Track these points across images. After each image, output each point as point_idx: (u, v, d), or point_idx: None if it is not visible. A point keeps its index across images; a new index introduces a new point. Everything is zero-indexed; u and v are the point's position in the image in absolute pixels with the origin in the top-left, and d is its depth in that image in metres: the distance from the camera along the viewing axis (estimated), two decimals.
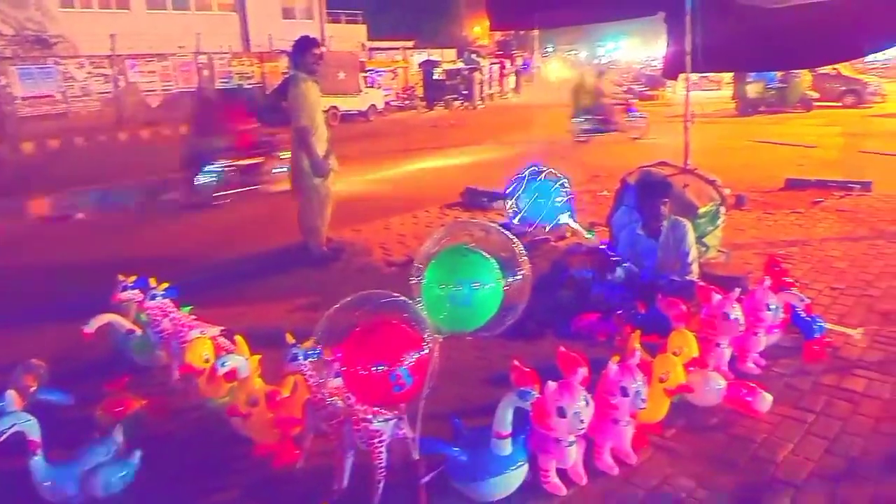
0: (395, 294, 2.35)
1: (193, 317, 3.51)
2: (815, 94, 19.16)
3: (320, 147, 5.42)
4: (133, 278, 3.65)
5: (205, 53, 21.02)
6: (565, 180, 4.25)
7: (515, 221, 4.10)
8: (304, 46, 5.42)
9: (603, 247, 4.44)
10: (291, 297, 4.80)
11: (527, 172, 4.24)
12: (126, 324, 3.66)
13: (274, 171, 8.75)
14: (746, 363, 3.45)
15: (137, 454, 2.57)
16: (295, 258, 5.71)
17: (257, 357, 2.96)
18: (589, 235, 4.58)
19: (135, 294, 3.60)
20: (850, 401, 3.17)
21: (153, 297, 3.44)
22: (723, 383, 3.08)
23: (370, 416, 2.42)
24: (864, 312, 4.21)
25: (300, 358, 2.54)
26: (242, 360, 2.86)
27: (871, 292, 4.54)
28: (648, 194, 4.25)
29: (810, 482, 2.59)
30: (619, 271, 4.19)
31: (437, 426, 2.60)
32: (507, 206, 4.22)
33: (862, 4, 4.63)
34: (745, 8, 4.99)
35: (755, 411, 3.00)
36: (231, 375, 2.80)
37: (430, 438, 2.51)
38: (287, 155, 9.77)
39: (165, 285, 3.50)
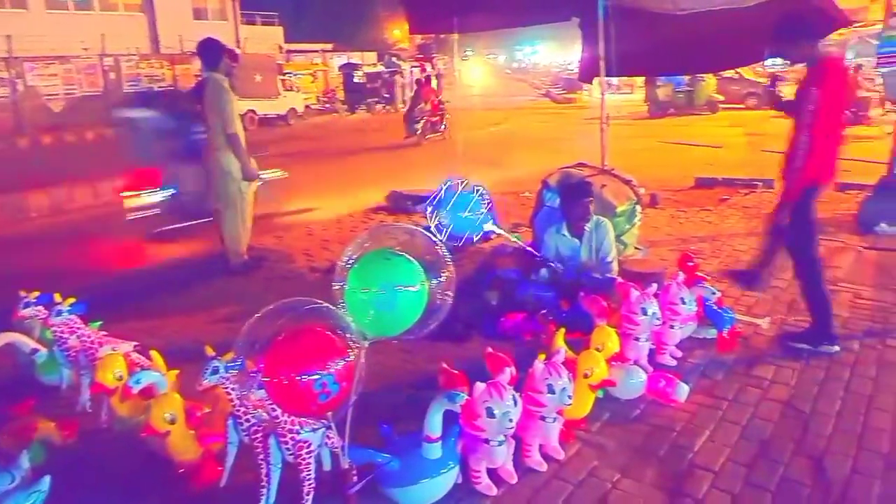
0: (319, 301, 2.30)
1: (104, 332, 3.32)
2: (721, 97, 20.24)
3: None
4: (36, 294, 3.43)
5: (111, 55, 20.04)
6: (484, 189, 4.27)
7: (442, 238, 4.07)
8: (218, 48, 5.25)
9: (528, 248, 4.50)
10: (211, 308, 4.64)
11: (444, 187, 4.20)
12: (30, 342, 3.42)
13: (441, 127, 15.81)
14: (664, 355, 3.59)
15: (46, 481, 2.41)
16: (214, 267, 5.52)
17: (175, 372, 2.84)
18: (515, 239, 4.64)
19: (38, 310, 3.39)
20: (760, 387, 3.35)
21: (59, 314, 3.23)
22: (643, 376, 3.19)
23: (297, 427, 2.36)
24: (771, 303, 4.46)
25: (221, 371, 2.46)
26: (158, 376, 2.74)
27: (777, 283, 4.81)
28: (572, 195, 4.35)
29: (726, 467, 2.71)
30: (544, 271, 4.27)
31: (366, 433, 2.57)
32: (431, 222, 4.18)
33: (763, 12, 4.91)
34: (653, 15, 5.19)
35: (674, 401, 3.13)
36: (147, 392, 2.67)
37: (358, 446, 2.47)
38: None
39: (72, 300, 3.30)
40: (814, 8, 5.17)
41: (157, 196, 6.57)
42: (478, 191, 4.21)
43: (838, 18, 5.62)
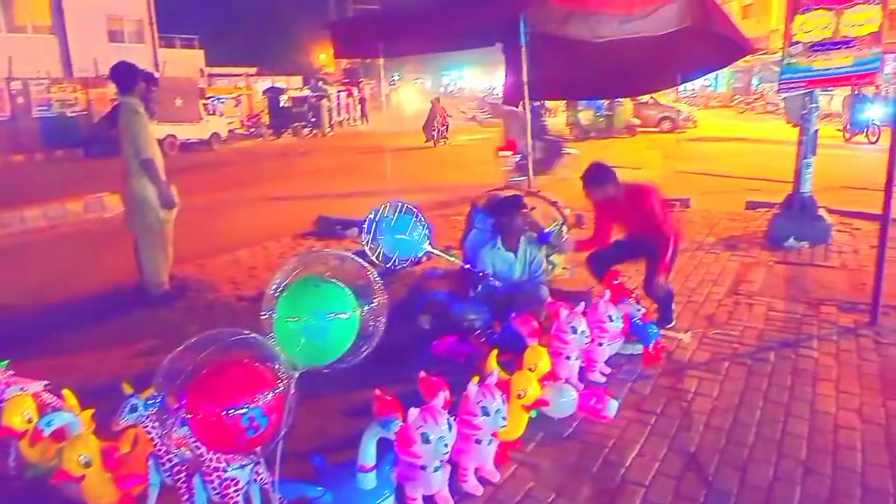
0: (245, 331, 2.22)
1: (11, 372, 3.10)
2: (638, 121, 21.21)
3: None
4: None
5: (19, 79, 19.05)
6: (419, 212, 4.26)
7: (378, 261, 3.99)
8: (131, 72, 5.07)
9: (467, 266, 4.51)
10: (129, 342, 4.41)
11: (380, 210, 4.15)
12: None
13: (446, 133, 20.21)
14: (594, 372, 3.65)
15: None
16: (132, 299, 5.26)
17: (89, 411, 2.68)
18: (452, 259, 4.65)
19: None
20: (685, 400, 3.46)
21: None
22: (575, 394, 3.23)
23: (223, 464, 2.26)
24: (691, 317, 4.63)
25: (140, 408, 2.33)
26: (71, 417, 2.57)
27: (695, 298, 5.01)
28: (507, 209, 4.44)
29: (657, 481, 2.77)
30: (481, 287, 4.31)
31: (298, 466, 2.49)
32: (366, 247, 4.10)
33: (675, 41, 5.17)
34: (573, 42, 5.36)
35: (604, 417, 3.18)
36: (59, 435, 2.51)
37: (290, 480, 2.39)
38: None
39: None
40: (720, 37, 5.48)
41: (514, 159, 9.46)
42: (414, 212, 4.19)
43: (744, 47, 5.98)
